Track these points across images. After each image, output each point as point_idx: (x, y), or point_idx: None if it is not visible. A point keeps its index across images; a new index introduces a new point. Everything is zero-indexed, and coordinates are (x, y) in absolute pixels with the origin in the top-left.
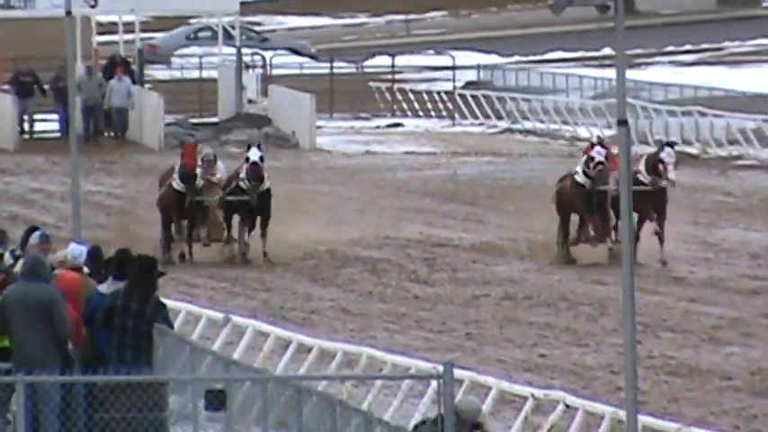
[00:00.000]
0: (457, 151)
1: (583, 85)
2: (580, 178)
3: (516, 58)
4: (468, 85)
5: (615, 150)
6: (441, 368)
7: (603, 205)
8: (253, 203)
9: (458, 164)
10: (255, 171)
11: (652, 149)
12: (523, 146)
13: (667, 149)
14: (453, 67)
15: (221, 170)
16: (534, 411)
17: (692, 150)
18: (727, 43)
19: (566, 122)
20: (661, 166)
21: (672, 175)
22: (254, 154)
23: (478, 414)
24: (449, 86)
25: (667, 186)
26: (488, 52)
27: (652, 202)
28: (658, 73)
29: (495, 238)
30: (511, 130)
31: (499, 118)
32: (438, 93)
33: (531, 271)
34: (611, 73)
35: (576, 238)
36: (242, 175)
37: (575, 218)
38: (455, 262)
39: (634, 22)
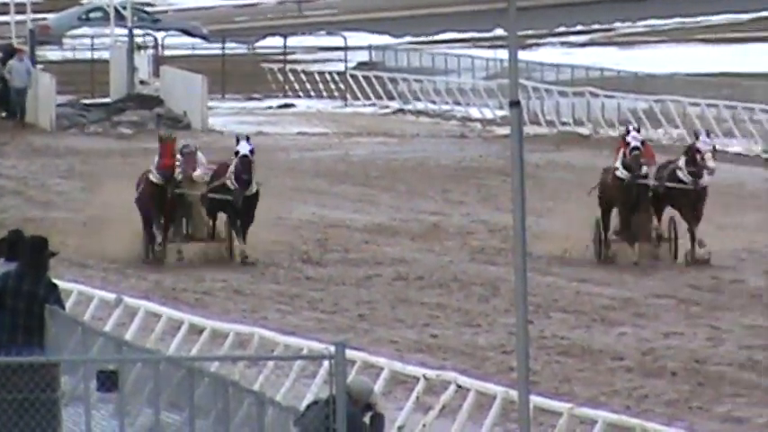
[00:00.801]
0: (349, 132)
1: (474, 65)
2: (620, 173)
3: (408, 38)
4: (360, 65)
5: (650, 149)
6: (332, 349)
7: (644, 201)
8: (237, 206)
9: (350, 144)
10: (246, 166)
11: (548, 131)
12: (415, 126)
13: (703, 138)
14: (345, 48)
15: (203, 163)
16: (426, 392)
17: (584, 131)
18: (617, 24)
19: (457, 103)
20: (698, 156)
21: (711, 163)
22: (243, 147)
23: (370, 394)
24: (341, 67)
25: (707, 183)
26: (380, 33)
27: (691, 203)
28: (550, 54)
29: (387, 218)
30: (402, 111)
31: (391, 99)
32: (330, 73)
33: (422, 251)
34: (502, 54)
35: (614, 236)
36: (231, 168)
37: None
38: (347, 242)
39: (526, 3)
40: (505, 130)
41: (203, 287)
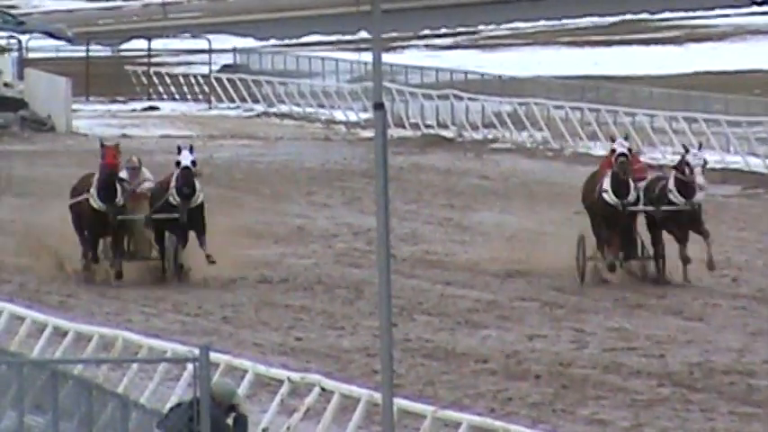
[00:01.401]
0: (213, 134)
1: (339, 68)
2: (609, 197)
3: (273, 41)
4: (225, 68)
5: (640, 161)
6: (196, 352)
7: (632, 224)
8: (183, 221)
9: (214, 147)
10: (186, 178)
11: (412, 134)
12: (280, 129)
13: (693, 151)
14: (210, 51)
15: (148, 178)
16: (290, 394)
17: (448, 134)
18: (482, 27)
19: (322, 106)
20: (687, 170)
21: (700, 179)
22: (185, 157)
23: (233, 396)
24: (205, 70)
25: (699, 202)
26: (244, 36)
27: (686, 223)
28: (414, 56)
29: (251, 221)
30: (267, 114)
31: (255, 101)
32: (194, 76)
33: (287, 254)
34: (367, 56)
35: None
36: (172, 184)
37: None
38: (211, 245)
39: (390, 6)
40: (370, 133)
41: (68, 290)
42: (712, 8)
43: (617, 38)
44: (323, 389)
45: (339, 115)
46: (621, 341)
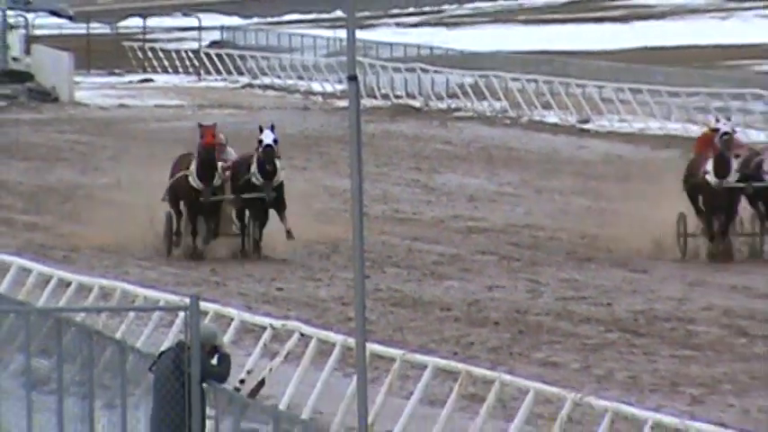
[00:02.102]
0: (202, 104)
1: (316, 44)
2: (710, 178)
3: (256, 19)
4: (213, 44)
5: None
6: (187, 301)
7: (733, 204)
8: (268, 199)
9: (203, 116)
10: (269, 156)
11: (383, 103)
12: (262, 99)
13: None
14: (199, 28)
15: (231, 155)
16: (272, 340)
17: (416, 103)
18: (446, 6)
19: (301, 78)
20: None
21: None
22: (267, 136)
23: (215, 338)
24: (195, 46)
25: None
26: (231, 14)
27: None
28: (385, 33)
29: None
30: (251, 86)
31: (240, 74)
32: (185, 51)
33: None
34: (341, 33)
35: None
36: (253, 168)
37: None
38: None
39: None
40: (344, 103)
41: (70, 245)
42: None
43: (569, 16)
44: (302, 334)
45: (316, 87)
46: (572, 291)
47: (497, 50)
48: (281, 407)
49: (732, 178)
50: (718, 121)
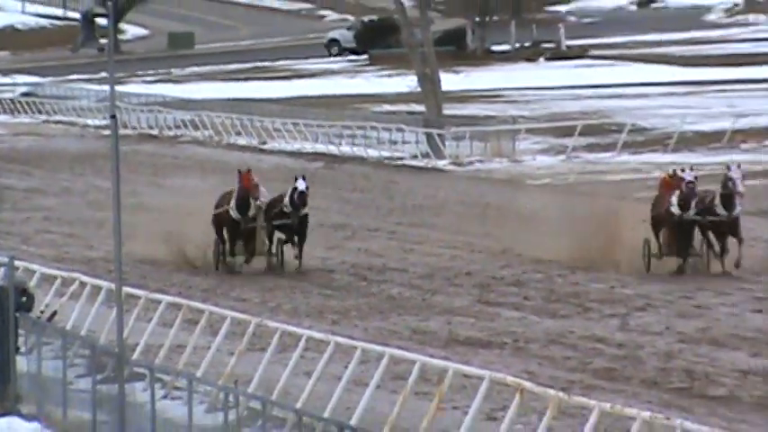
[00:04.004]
0: (16, 132)
1: (90, 94)
2: (674, 209)
3: (51, 78)
4: (23, 94)
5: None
6: (7, 259)
7: (690, 230)
8: (294, 226)
9: (17, 140)
10: (302, 198)
11: (131, 132)
12: (55, 130)
13: (733, 167)
14: (14, 84)
15: (264, 194)
16: (61, 285)
17: (154, 132)
18: (173, 70)
19: (79, 116)
20: (730, 184)
21: (740, 188)
22: (300, 184)
23: (24, 283)
24: (11, 95)
25: (739, 212)
26: (35, 75)
27: (727, 231)
28: (133, 87)
29: (39, 185)
30: (48, 121)
31: (41, 114)
32: (5, 99)
33: (60, 203)
34: (105, 87)
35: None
36: (286, 200)
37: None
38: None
39: (119, 57)
40: (108, 132)
41: None
42: (306, 57)
43: (253, 76)
44: (82, 282)
45: (90, 122)
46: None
47: (206, 98)
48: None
49: (692, 212)
50: (683, 170)
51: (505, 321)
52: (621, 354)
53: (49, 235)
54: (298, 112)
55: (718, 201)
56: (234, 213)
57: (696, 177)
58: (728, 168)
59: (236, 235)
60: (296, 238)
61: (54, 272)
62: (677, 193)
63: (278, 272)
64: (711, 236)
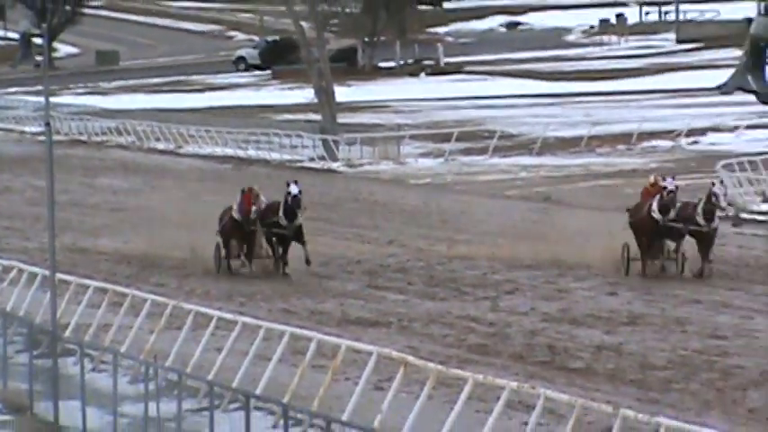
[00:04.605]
0: None
1: (27, 104)
2: (655, 215)
3: None
4: None
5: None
6: None
7: (667, 235)
8: (289, 235)
9: None
10: (296, 201)
11: (64, 138)
12: None
13: (717, 184)
14: None
15: (263, 202)
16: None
17: (83, 138)
18: (100, 83)
19: (18, 124)
20: (714, 198)
21: (723, 203)
22: (293, 189)
23: None
24: None
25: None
26: None
27: (706, 240)
28: (65, 98)
29: None
30: None
31: None
32: None
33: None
34: (41, 98)
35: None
36: (281, 213)
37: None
38: None
39: (53, 73)
40: (43, 138)
41: None
42: (217, 72)
43: (173, 89)
44: (20, 270)
45: (28, 129)
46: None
47: (129, 108)
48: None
49: (671, 216)
50: (664, 179)
51: (391, 303)
52: (492, 332)
53: None
54: (210, 120)
55: (699, 212)
56: (236, 214)
57: (677, 186)
58: (713, 184)
59: (241, 238)
60: (290, 245)
61: None
62: (657, 198)
63: (279, 272)
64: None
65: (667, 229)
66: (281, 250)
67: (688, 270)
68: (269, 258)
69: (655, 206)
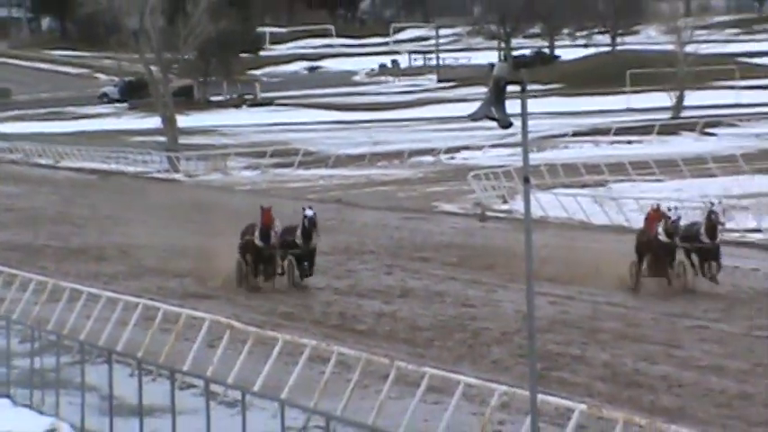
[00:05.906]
0: None
1: None
2: (662, 237)
3: None
4: None
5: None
6: None
7: (672, 255)
8: (304, 255)
9: None
10: (312, 222)
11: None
12: None
13: (716, 203)
14: None
15: (278, 225)
16: None
17: (15, 157)
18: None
19: None
20: (713, 216)
21: (722, 219)
22: (309, 212)
23: None
24: None
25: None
26: None
27: (711, 255)
28: (8, 127)
29: None
30: None
31: None
32: None
33: None
34: None
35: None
36: (298, 233)
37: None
38: None
39: None
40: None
41: None
42: (86, 105)
43: (49, 117)
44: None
45: None
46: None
47: (19, 132)
48: None
49: (676, 239)
50: (669, 209)
51: (221, 281)
52: (298, 303)
53: None
54: (81, 141)
55: (703, 231)
56: (258, 241)
57: (679, 217)
58: (711, 204)
59: (259, 259)
60: (306, 264)
61: None
62: (663, 223)
63: (291, 287)
64: (694, 258)
65: (672, 250)
66: (296, 271)
67: (692, 282)
68: (282, 275)
69: (661, 230)
